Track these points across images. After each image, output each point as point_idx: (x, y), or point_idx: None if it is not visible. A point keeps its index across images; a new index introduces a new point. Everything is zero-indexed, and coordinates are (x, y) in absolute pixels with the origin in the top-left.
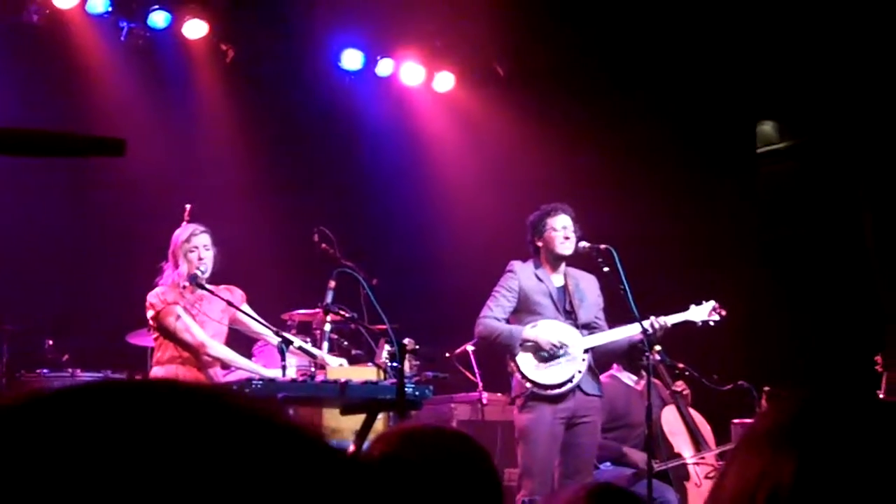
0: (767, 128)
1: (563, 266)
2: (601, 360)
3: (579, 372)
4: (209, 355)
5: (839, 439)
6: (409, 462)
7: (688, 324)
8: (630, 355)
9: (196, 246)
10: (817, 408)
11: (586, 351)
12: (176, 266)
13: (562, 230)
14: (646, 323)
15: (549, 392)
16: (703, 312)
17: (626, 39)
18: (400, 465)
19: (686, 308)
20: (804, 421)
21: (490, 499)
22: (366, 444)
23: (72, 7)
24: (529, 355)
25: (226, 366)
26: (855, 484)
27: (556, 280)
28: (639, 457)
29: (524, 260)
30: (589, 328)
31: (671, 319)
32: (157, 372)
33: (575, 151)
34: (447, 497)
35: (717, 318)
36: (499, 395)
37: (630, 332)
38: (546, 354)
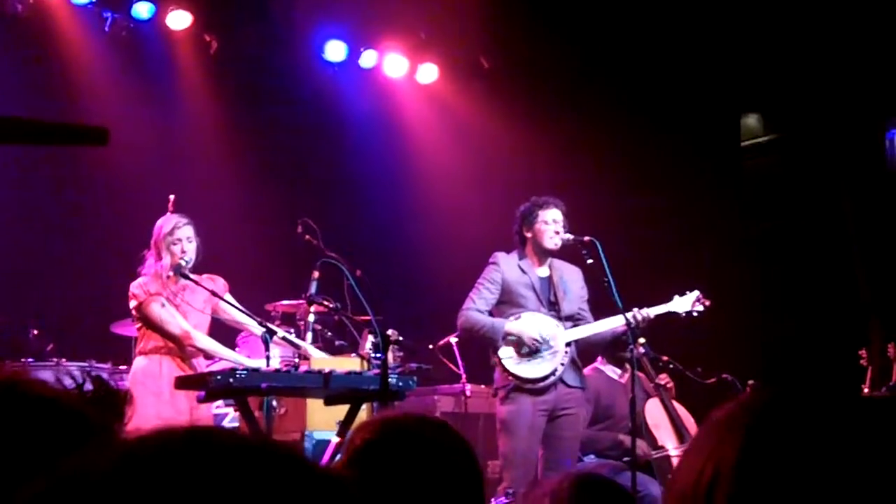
0: (752, 121)
1: (548, 258)
2: (585, 352)
3: (562, 365)
4: (192, 346)
5: (785, 424)
6: (390, 450)
7: (671, 315)
8: (614, 348)
9: (179, 238)
10: (767, 396)
11: (569, 344)
12: (159, 256)
13: (552, 223)
14: (629, 314)
15: (532, 386)
16: (686, 303)
17: (611, 32)
18: (381, 452)
19: (670, 299)
20: (751, 406)
21: (471, 487)
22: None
23: None
24: (511, 349)
25: (209, 356)
26: (799, 464)
27: (541, 272)
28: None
29: (508, 251)
30: (573, 320)
31: (655, 311)
32: (139, 362)
33: (558, 144)
34: (429, 485)
35: (700, 308)
36: (482, 387)
37: (613, 324)
38: (527, 349)
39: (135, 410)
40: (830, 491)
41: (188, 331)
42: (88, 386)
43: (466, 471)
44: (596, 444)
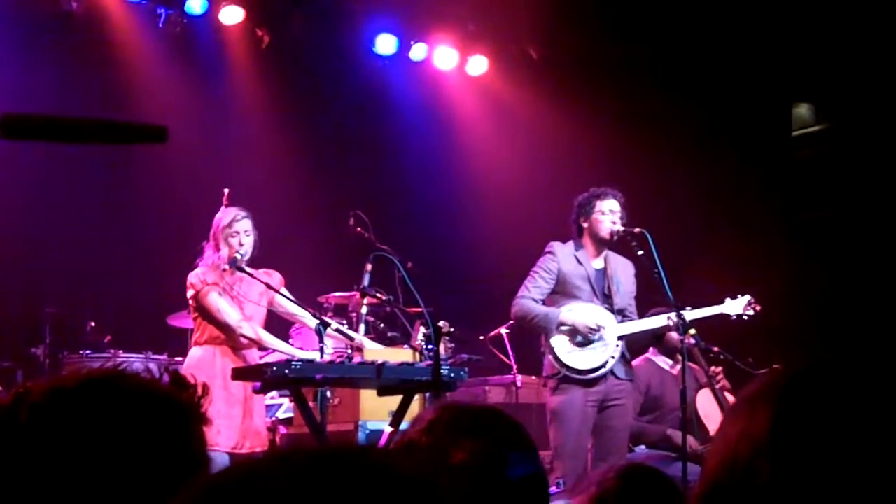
0: (802, 110)
1: (604, 250)
2: (633, 346)
3: (612, 358)
4: (246, 336)
5: (810, 396)
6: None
7: (722, 316)
8: (658, 342)
9: (237, 231)
10: (793, 373)
11: (620, 338)
12: (217, 248)
13: (609, 214)
14: (673, 316)
15: (582, 377)
16: (738, 307)
17: (660, 23)
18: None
19: (721, 301)
20: (778, 383)
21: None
22: (403, 425)
23: None
24: (565, 339)
25: (263, 348)
26: (827, 432)
27: (597, 263)
28: (657, 429)
29: (559, 241)
30: (623, 314)
31: (705, 312)
32: (195, 352)
33: (608, 135)
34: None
35: (751, 312)
36: (533, 378)
37: (659, 322)
38: (582, 339)
39: (210, 401)
40: (862, 456)
41: (241, 323)
42: (166, 379)
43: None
44: (644, 438)
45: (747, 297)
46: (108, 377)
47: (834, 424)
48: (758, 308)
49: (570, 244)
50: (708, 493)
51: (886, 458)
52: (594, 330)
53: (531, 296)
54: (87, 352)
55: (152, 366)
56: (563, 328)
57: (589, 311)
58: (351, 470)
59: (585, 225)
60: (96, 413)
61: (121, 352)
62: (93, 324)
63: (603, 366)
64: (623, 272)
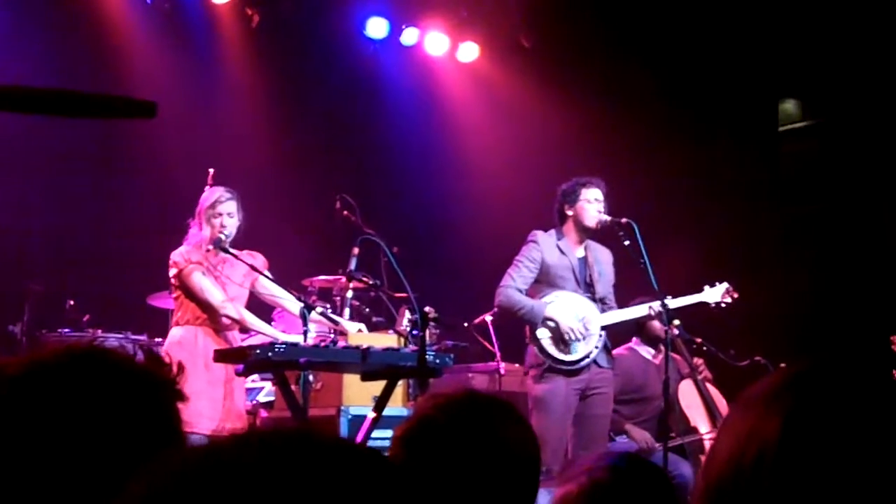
0: (789, 106)
1: (585, 239)
2: (614, 335)
3: (596, 348)
4: (228, 316)
5: (824, 402)
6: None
7: (701, 305)
8: (640, 332)
9: (220, 213)
10: (809, 374)
11: (603, 328)
12: (201, 228)
13: (595, 202)
14: (656, 305)
15: (566, 367)
16: (716, 294)
17: (650, 15)
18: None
19: (700, 290)
20: (793, 384)
21: (528, 470)
22: (386, 411)
23: None
24: (548, 332)
25: (245, 329)
26: (838, 444)
27: (578, 252)
28: (639, 435)
29: (545, 230)
30: (603, 303)
31: (685, 301)
32: (176, 332)
33: (597, 124)
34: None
35: (729, 300)
36: (516, 365)
37: (642, 312)
38: (566, 338)
39: (186, 380)
40: (875, 467)
41: (224, 302)
42: (140, 357)
43: (527, 452)
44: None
45: (725, 285)
46: (89, 351)
47: (845, 439)
48: (735, 295)
49: (552, 232)
50: (712, 490)
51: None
52: (577, 333)
53: (515, 285)
54: (66, 330)
55: (127, 344)
56: (548, 322)
57: (572, 302)
58: (311, 452)
59: (570, 213)
60: (75, 387)
61: (100, 331)
62: (72, 302)
63: (587, 356)
64: (603, 260)
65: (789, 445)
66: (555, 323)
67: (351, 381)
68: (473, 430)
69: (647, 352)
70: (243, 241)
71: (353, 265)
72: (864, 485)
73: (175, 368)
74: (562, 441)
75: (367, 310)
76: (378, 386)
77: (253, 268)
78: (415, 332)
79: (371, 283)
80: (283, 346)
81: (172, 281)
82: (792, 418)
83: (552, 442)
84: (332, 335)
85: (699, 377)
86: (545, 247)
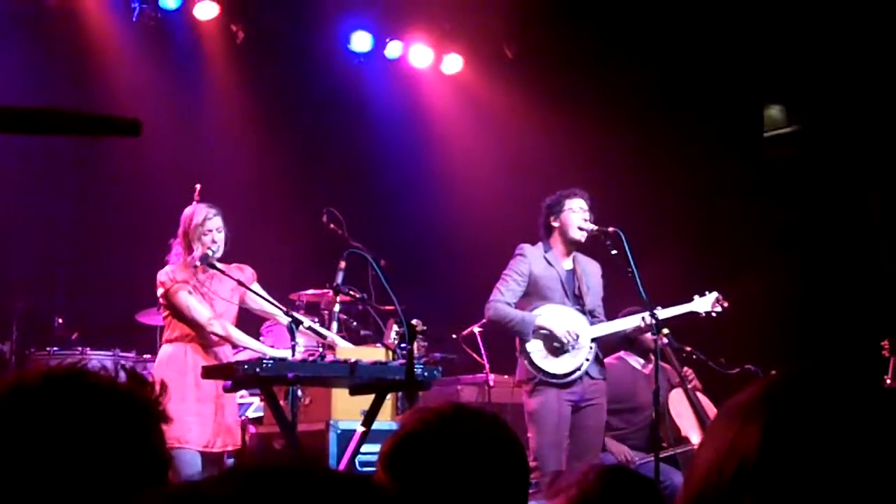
0: (774, 111)
1: (573, 251)
2: (603, 348)
3: (587, 360)
4: (216, 334)
5: (801, 412)
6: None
7: (691, 314)
8: (631, 346)
9: (210, 229)
10: (787, 383)
11: (594, 340)
12: (188, 245)
13: (580, 211)
14: (646, 316)
15: (558, 380)
16: (706, 303)
17: (635, 21)
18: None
19: (690, 299)
20: (770, 395)
21: (518, 482)
22: (375, 425)
23: None
24: (540, 343)
25: (234, 345)
26: (817, 457)
27: (566, 264)
28: (617, 449)
29: (532, 243)
30: (593, 315)
31: (674, 311)
32: (165, 350)
33: (582, 134)
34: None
35: (719, 309)
36: (505, 377)
37: (634, 323)
38: (558, 345)
39: (169, 399)
40: (855, 477)
41: (211, 320)
42: (122, 376)
43: (515, 465)
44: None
45: (715, 294)
46: (70, 374)
47: (823, 449)
48: (725, 304)
49: (540, 245)
50: (693, 502)
51: (872, 487)
52: (573, 338)
53: (504, 299)
54: (55, 349)
55: (108, 363)
56: (539, 332)
57: (561, 314)
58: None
59: (556, 224)
60: (57, 410)
61: (88, 349)
62: (60, 320)
63: (578, 369)
64: (591, 272)
65: (768, 457)
66: (548, 331)
67: (339, 396)
68: (460, 444)
69: (636, 361)
70: (232, 255)
71: (340, 279)
72: (843, 495)
73: (158, 388)
74: (558, 452)
75: (355, 323)
76: (367, 400)
77: (240, 283)
78: (403, 345)
79: (358, 296)
80: (271, 361)
81: (160, 300)
82: (770, 430)
83: (547, 453)
84: (320, 349)
85: (689, 386)
86: (533, 259)
